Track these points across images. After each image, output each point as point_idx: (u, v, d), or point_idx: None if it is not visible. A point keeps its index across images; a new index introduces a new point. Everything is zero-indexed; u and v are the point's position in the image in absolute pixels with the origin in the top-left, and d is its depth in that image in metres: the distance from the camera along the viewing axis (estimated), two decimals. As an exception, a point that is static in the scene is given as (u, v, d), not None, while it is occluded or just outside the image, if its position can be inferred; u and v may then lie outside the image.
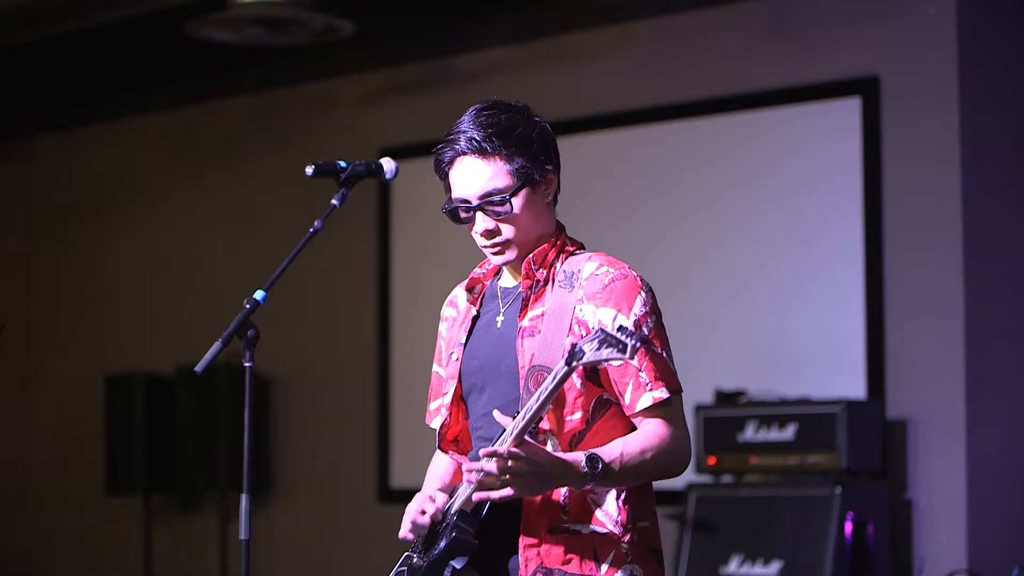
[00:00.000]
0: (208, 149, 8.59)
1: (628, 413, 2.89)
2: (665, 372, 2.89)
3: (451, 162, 2.97)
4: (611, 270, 2.95)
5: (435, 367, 3.21)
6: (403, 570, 3.02)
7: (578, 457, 2.78)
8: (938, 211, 6.06)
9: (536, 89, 7.23)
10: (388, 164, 3.17)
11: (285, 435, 8.10)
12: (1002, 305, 6.11)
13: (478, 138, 2.93)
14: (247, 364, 3.10)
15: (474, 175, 2.94)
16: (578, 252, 3.03)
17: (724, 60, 6.71)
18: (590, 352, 2.67)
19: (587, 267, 2.96)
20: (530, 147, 2.95)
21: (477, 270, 3.11)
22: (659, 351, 2.90)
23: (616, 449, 2.82)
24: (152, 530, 8.30)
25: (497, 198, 2.93)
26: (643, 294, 2.94)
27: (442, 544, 2.90)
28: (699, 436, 6.12)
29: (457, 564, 2.90)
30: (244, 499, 3.12)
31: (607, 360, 2.68)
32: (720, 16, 6.71)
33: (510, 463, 2.74)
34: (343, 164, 3.12)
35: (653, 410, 2.87)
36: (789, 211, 6.49)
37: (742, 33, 6.66)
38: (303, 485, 8.04)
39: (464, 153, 2.95)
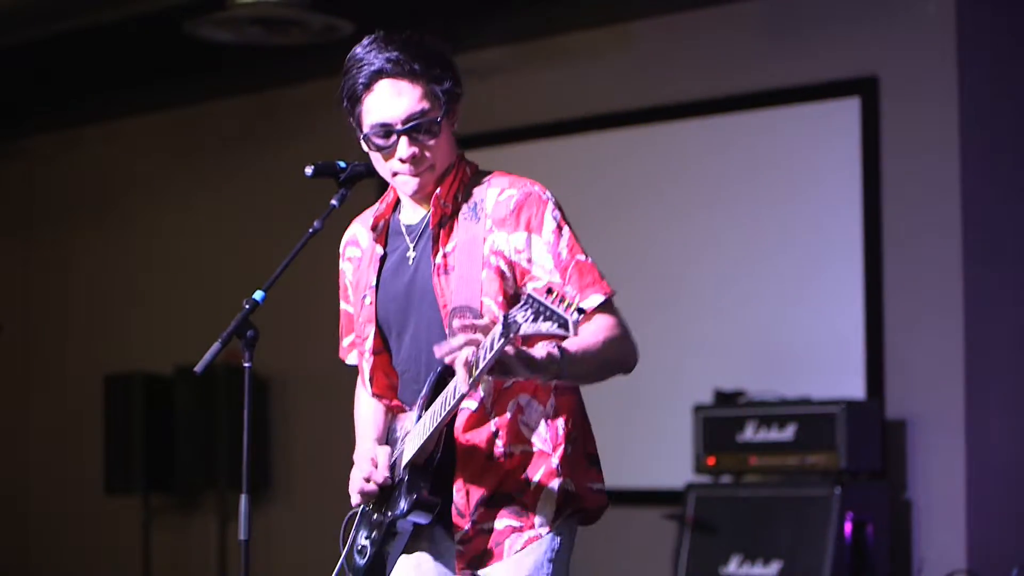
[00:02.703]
0: (207, 149, 8.58)
1: None
2: (590, 279, 2.83)
3: (370, 84, 2.85)
4: (513, 191, 2.87)
5: (343, 304, 3.16)
6: (360, 521, 3.01)
7: (543, 352, 2.66)
8: (937, 211, 6.05)
9: (536, 89, 7.24)
10: (387, 164, 3.15)
11: (284, 435, 8.10)
12: (1001, 305, 6.11)
13: (405, 59, 2.82)
14: (246, 364, 3.10)
15: (401, 97, 2.83)
16: (477, 176, 2.94)
17: (724, 60, 6.70)
18: (526, 323, 2.51)
19: (490, 194, 2.88)
20: (450, 75, 2.87)
21: (379, 205, 3.03)
22: (584, 258, 2.85)
23: (572, 341, 2.66)
24: (151, 530, 8.29)
25: (425, 120, 2.83)
26: (550, 207, 2.86)
27: (404, 505, 2.86)
28: (699, 436, 6.11)
29: (422, 520, 2.88)
30: (243, 499, 3.12)
31: (546, 334, 2.51)
32: (720, 16, 6.71)
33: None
34: (342, 164, 3.11)
35: (591, 318, 2.80)
36: (789, 211, 6.49)
37: (742, 33, 6.65)
38: (302, 485, 8.04)
39: (387, 74, 2.83)
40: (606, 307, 2.85)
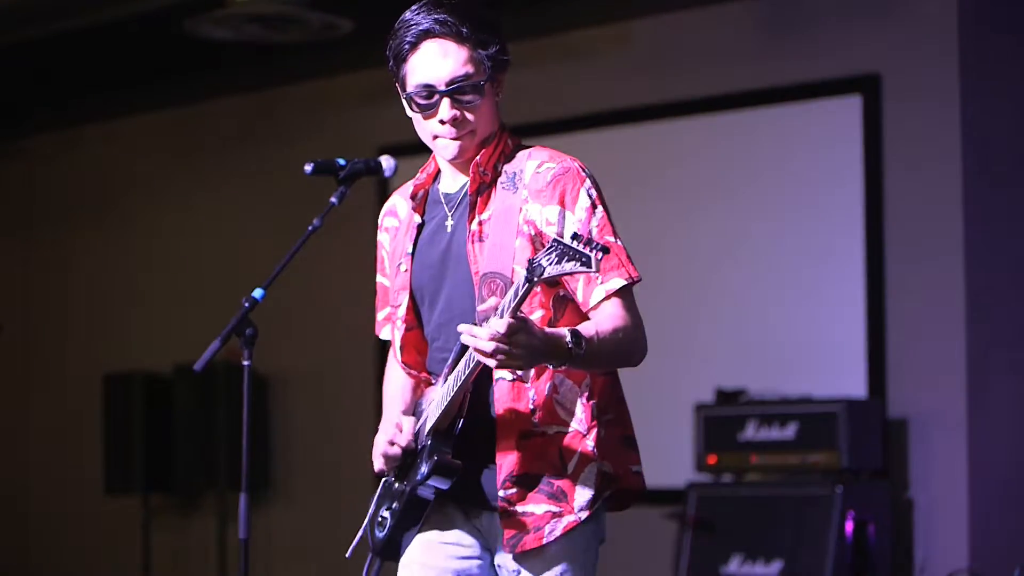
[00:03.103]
0: (206, 148, 8.58)
1: (584, 309, 2.83)
2: (615, 262, 2.83)
3: (417, 43, 2.84)
4: (552, 165, 2.86)
5: (379, 277, 3.12)
6: (383, 494, 2.99)
7: (562, 332, 2.70)
8: (939, 209, 6.05)
9: (535, 87, 7.22)
10: (387, 162, 3.15)
11: (284, 434, 8.09)
12: (1002, 303, 6.10)
13: (454, 21, 2.81)
14: (245, 363, 3.10)
15: (447, 59, 2.82)
16: (519, 149, 2.93)
17: (724, 58, 6.70)
18: (550, 266, 2.55)
19: (529, 166, 2.87)
20: (496, 41, 2.85)
21: (419, 175, 3.00)
22: (613, 239, 2.85)
23: (591, 328, 2.74)
24: (151, 530, 8.28)
25: (468, 84, 2.82)
26: (587, 185, 2.86)
27: (424, 469, 2.84)
28: (700, 435, 6.10)
29: (442, 485, 2.84)
30: (242, 498, 3.11)
31: (570, 273, 2.57)
32: (720, 14, 6.70)
33: (509, 337, 2.63)
34: (342, 162, 3.10)
35: (607, 300, 2.81)
36: (790, 209, 6.48)
37: (743, 31, 6.65)
38: (302, 484, 8.03)
39: (434, 34, 2.82)
40: (624, 293, 2.84)
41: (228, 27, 6.64)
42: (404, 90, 2.89)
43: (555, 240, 2.57)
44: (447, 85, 2.82)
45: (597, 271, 2.56)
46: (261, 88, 8.27)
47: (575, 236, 2.55)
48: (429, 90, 2.84)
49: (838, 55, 6.37)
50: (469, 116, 2.85)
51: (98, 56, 7.77)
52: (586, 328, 2.74)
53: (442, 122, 2.85)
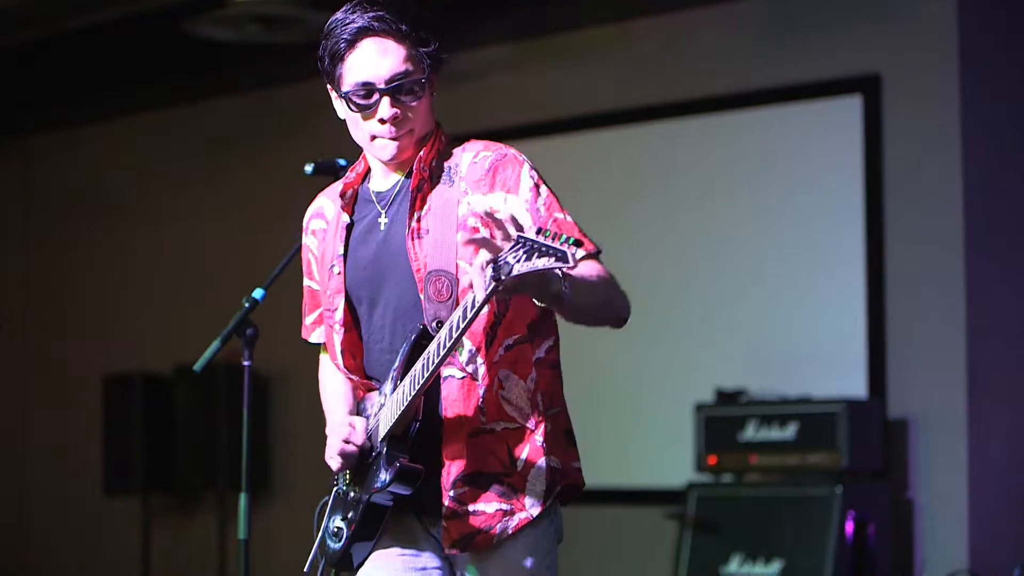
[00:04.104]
0: (207, 148, 8.57)
1: None
2: (575, 234, 2.74)
3: (354, 41, 2.77)
4: (488, 153, 2.81)
5: (306, 281, 3.04)
6: (335, 503, 2.91)
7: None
8: (939, 209, 6.05)
9: (536, 88, 7.22)
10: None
11: (284, 434, 8.08)
12: (1003, 303, 6.10)
13: (392, 18, 2.75)
14: (246, 363, 3.10)
15: (386, 57, 2.75)
16: (452, 144, 2.88)
17: (725, 58, 6.69)
18: (519, 263, 2.42)
19: (464, 157, 2.82)
20: (438, 35, 2.80)
21: (348, 174, 2.94)
22: (562, 216, 2.78)
23: (573, 271, 2.54)
24: (151, 530, 8.28)
25: (408, 82, 2.77)
26: (526, 168, 2.80)
27: (385, 476, 2.76)
28: (700, 435, 6.10)
29: (404, 491, 2.77)
30: (243, 498, 3.11)
31: (542, 270, 2.41)
32: (721, 14, 6.70)
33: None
34: (342, 162, 3.11)
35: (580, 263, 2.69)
36: (790, 209, 6.48)
37: (743, 31, 6.64)
38: (302, 484, 8.02)
39: (374, 33, 2.75)
40: (591, 258, 2.75)
41: (228, 27, 6.64)
42: (340, 90, 2.82)
43: (520, 236, 2.44)
44: (387, 83, 2.77)
45: (575, 266, 2.41)
46: (261, 88, 8.26)
47: (539, 231, 2.44)
48: (368, 88, 2.78)
49: (838, 55, 6.36)
50: (409, 115, 2.79)
51: (98, 56, 7.77)
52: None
53: (382, 121, 2.79)
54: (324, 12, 6.48)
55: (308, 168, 3.10)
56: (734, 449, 6.00)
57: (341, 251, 2.89)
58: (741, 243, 6.58)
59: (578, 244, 2.42)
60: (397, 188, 2.87)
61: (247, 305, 3.04)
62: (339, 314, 2.90)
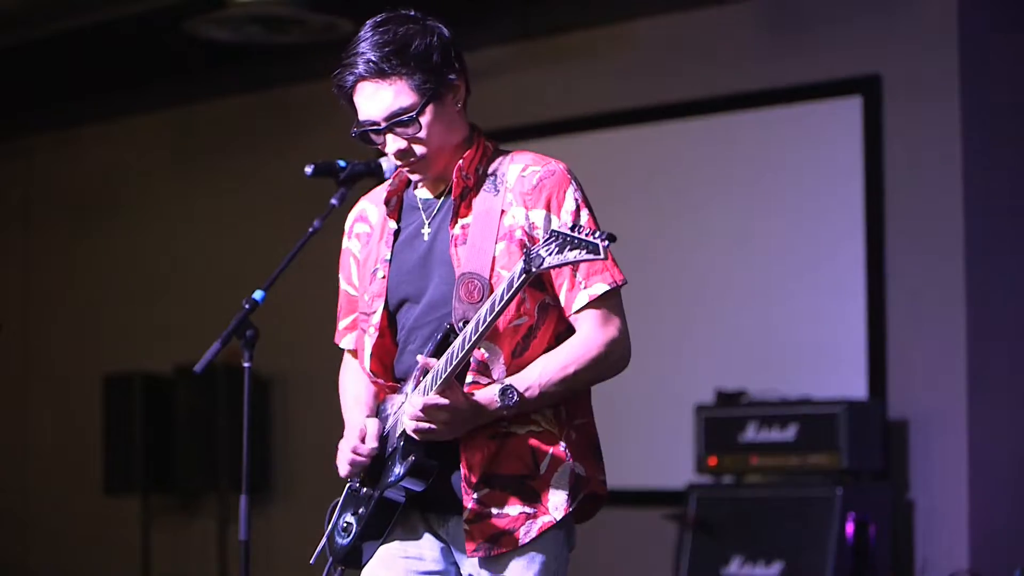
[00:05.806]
0: (206, 148, 8.57)
1: (566, 315, 2.83)
2: (599, 266, 2.81)
3: (353, 86, 2.87)
4: (537, 168, 2.87)
5: (343, 285, 3.14)
6: (347, 500, 2.98)
7: (490, 395, 2.74)
8: (939, 210, 6.04)
9: (535, 88, 7.22)
10: (387, 163, 3.14)
11: (284, 435, 8.09)
12: (1004, 304, 6.10)
13: (375, 59, 2.82)
14: (246, 364, 3.09)
15: (377, 98, 2.84)
16: (497, 152, 2.95)
17: (725, 59, 6.69)
18: (550, 256, 2.55)
19: (512, 169, 2.88)
20: (430, 60, 2.84)
21: (392, 180, 3.01)
22: None
23: (534, 373, 2.77)
24: (151, 531, 8.28)
25: (404, 118, 2.83)
26: (573, 187, 2.87)
27: (399, 470, 2.81)
28: (700, 436, 6.10)
29: (417, 487, 2.81)
30: (243, 499, 3.11)
31: (574, 262, 2.55)
32: (721, 15, 6.70)
33: (437, 411, 2.72)
34: (342, 163, 3.09)
35: (588, 309, 2.81)
36: (790, 210, 6.48)
37: (743, 32, 6.64)
38: (302, 485, 8.02)
39: (363, 77, 2.84)
40: (608, 298, 2.82)
41: (228, 27, 6.64)
42: (358, 125, 2.92)
43: (554, 231, 2.56)
44: (385, 121, 2.85)
45: (605, 257, 2.53)
46: (261, 88, 8.26)
47: (575, 226, 2.56)
48: (372, 127, 2.88)
49: (838, 55, 6.36)
50: (416, 147, 2.87)
51: (98, 56, 7.77)
52: (527, 376, 2.76)
53: (392, 155, 2.89)
54: (324, 13, 6.50)
55: (308, 169, 3.08)
56: (734, 450, 6.00)
57: (387, 256, 2.97)
58: (741, 244, 6.58)
59: (612, 239, 2.52)
60: (442, 196, 2.94)
61: (247, 306, 3.03)
62: (376, 317, 2.97)
